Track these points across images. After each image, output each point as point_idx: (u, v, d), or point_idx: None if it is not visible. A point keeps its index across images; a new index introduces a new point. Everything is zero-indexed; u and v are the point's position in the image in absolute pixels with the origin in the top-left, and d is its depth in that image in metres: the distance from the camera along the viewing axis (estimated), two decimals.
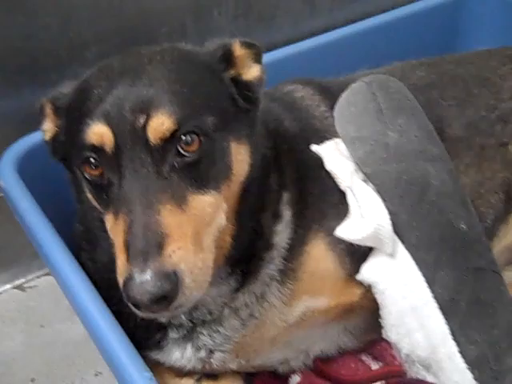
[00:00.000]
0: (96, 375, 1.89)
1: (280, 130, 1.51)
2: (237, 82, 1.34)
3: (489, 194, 1.64)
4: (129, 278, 1.10)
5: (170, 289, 1.09)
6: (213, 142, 1.22)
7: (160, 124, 1.17)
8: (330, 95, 1.65)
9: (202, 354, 1.45)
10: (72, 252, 1.47)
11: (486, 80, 1.74)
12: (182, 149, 1.19)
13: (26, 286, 2.18)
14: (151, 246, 1.11)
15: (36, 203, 1.56)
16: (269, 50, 2.01)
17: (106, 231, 1.32)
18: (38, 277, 2.19)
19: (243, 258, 1.38)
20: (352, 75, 1.77)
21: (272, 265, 1.42)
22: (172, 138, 1.18)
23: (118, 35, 1.94)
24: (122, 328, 1.32)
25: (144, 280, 1.08)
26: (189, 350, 1.45)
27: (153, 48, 1.35)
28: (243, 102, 1.33)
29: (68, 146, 1.31)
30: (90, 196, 1.30)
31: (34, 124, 1.45)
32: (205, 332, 1.43)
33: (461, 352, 1.35)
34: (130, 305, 1.13)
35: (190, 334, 1.43)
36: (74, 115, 1.28)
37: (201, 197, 1.20)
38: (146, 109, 1.18)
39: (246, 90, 1.34)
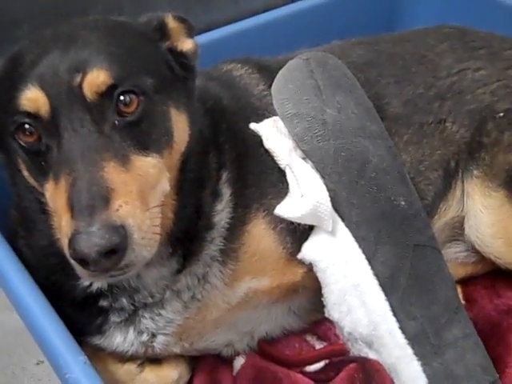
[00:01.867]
0: (37, 364, 1.87)
1: (218, 109, 1.50)
2: (172, 51, 1.35)
3: (428, 171, 1.64)
4: (74, 234, 1.07)
5: (118, 241, 1.07)
6: (152, 104, 1.23)
7: (95, 77, 1.17)
8: (269, 73, 1.64)
9: (145, 337, 1.43)
10: (7, 239, 1.43)
11: (424, 58, 1.74)
12: (122, 109, 1.18)
13: None
14: (97, 200, 1.09)
15: None
16: (208, 29, 2.00)
17: (44, 213, 1.31)
18: None
19: (184, 237, 1.36)
20: (291, 54, 1.75)
21: (213, 245, 1.41)
22: (110, 95, 1.18)
23: (51, 12, 1.89)
24: (62, 314, 1.29)
25: (91, 232, 1.06)
26: (131, 333, 1.42)
27: (85, 18, 1.35)
28: (180, 70, 1.35)
29: (0, 117, 1.26)
30: (26, 174, 1.26)
31: None
32: (147, 315, 1.41)
33: (401, 328, 1.36)
34: (76, 266, 1.11)
35: (131, 318, 1.41)
36: (4, 85, 1.25)
37: (143, 158, 1.19)
38: (81, 68, 1.17)
39: (181, 58, 1.36)
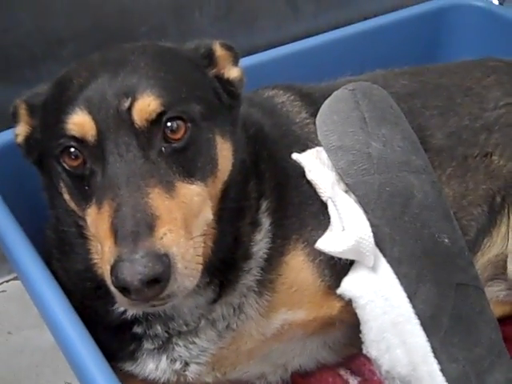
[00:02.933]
0: None
1: (260, 136, 1.48)
2: (219, 79, 1.34)
3: (472, 206, 1.61)
4: (118, 261, 1.05)
5: (162, 271, 1.05)
6: (199, 131, 1.22)
7: (146, 105, 1.16)
8: (311, 102, 1.63)
9: (178, 365, 1.41)
10: (43, 260, 1.41)
11: (470, 90, 1.72)
12: (169, 135, 1.17)
13: None
14: (141, 226, 1.07)
15: (5, 205, 1.51)
16: (250, 53, 1.99)
17: (83, 237, 1.30)
18: (6, 281, 2.12)
19: (222, 266, 1.34)
20: (334, 82, 1.75)
21: (250, 275, 1.38)
22: (158, 122, 1.17)
23: (96, 33, 1.90)
24: (95, 339, 1.27)
25: (134, 259, 1.04)
26: (164, 361, 1.41)
27: (133, 44, 1.34)
28: (227, 97, 1.34)
29: (45, 140, 1.26)
30: (67, 197, 1.26)
31: (7, 122, 1.40)
32: (181, 343, 1.39)
33: (442, 370, 1.33)
34: (116, 293, 1.09)
35: (165, 345, 1.39)
36: (51, 108, 1.25)
37: (188, 185, 1.18)
38: (130, 92, 1.17)
39: (228, 85, 1.35)
